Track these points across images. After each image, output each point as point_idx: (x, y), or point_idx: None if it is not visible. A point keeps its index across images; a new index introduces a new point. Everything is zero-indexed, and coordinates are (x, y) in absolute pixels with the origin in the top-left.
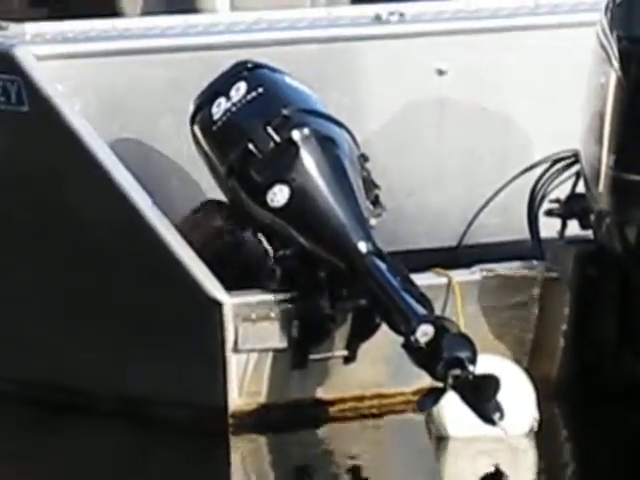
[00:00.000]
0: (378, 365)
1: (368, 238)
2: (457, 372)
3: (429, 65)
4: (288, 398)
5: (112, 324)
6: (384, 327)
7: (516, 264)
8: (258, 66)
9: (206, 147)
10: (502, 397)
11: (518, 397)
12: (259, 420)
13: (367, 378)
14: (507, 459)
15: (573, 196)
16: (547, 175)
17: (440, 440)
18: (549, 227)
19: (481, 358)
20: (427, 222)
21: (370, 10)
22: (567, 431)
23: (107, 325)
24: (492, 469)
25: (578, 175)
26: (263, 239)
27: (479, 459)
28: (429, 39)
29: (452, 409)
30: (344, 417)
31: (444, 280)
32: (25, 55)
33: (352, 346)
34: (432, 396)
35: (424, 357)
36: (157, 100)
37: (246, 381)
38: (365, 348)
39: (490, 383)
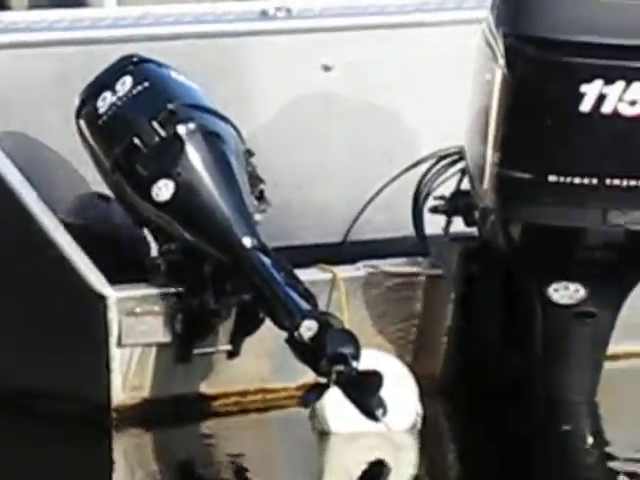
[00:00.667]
0: (262, 360)
1: (252, 233)
2: (340, 368)
3: (315, 61)
4: (171, 393)
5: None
6: (268, 322)
7: (401, 260)
8: (144, 60)
9: (91, 141)
10: (385, 393)
11: (401, 393)
12: (143, 415)
13: (251, 373)
14: (390, 455)
15: (458, 193)
16: (432, 172)
17: (323, 435)
18: (434, 224)
19: (365, 354)
20: (313, 217)
21: (257, 6)
22: (450, 427)
23: None
24: (375, 464)
25: (463, 172)
26: (147, 234)
27: (362, 454)
28: (315, 35)
29: (335, 405)
30: (228, 412)
31: (328, 276)
32: None
33: (236, 341)
34: (316, 391)
35: (308, 352)
36: (43, 94)
37: (130, 375)
38: (249, 343)
39: (373, 379)
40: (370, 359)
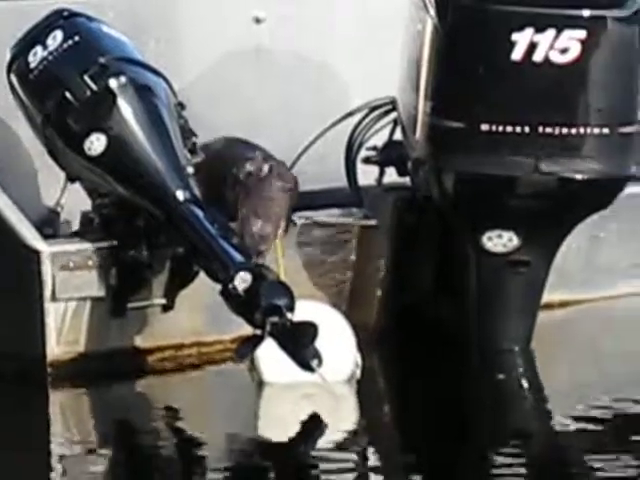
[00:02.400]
0: (196, 313)
1: (186, 186)
2: (275, 319)
3: (247, 13)
4: (107, 347)
5: None
6: (202, 275)
7: (334, 212)
8: (75, 14)
9: (23, 96)
10: (322, 344)
11: (339, 343)
12: (78, 369)
13: (186, 326)
14: (328, 405)
15: (390, 143)
16: (364, 123)
17: (260, 386)
18: (367, 174)
19: (302, 305)
20: None
21: None
22: (386, 377)
23: None
24: (313, 415)
25: (395, 122)
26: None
27: (299, 405)
28: None
29: (271, 356)
30: (163, 366)
31: None
32: None
33: (170, 294)
34: (250, 344)
35: (242, 305)
36: None
37: (64, 330)
38: (183, 296)
39: (308, 330)
40: (308, 311)
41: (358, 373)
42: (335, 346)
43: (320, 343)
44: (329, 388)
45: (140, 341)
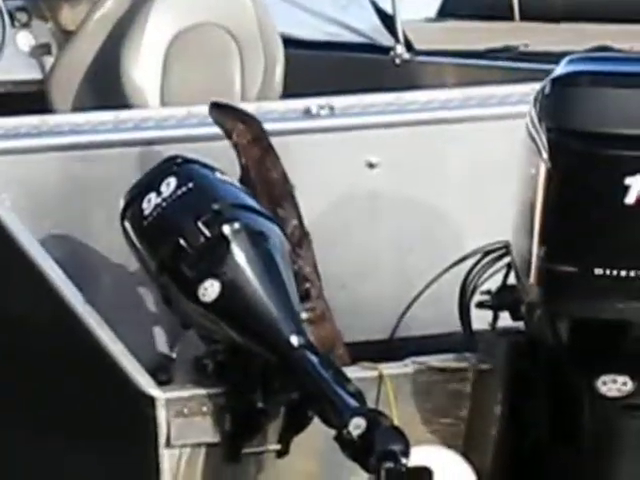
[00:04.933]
0: (310, 458)
1: (300, 332)
2: (390, 465)
3: (360, 158)
4: None
5: (42, 422)
6: (316, 420)
7: (448, 356)
8: (188, 161)
9: (137, 243)
10: None
11: None
12: None
13: (300, 471)
14: None
15: (504, 287)
16: (478, 267)
17: None
18: (481, 319)
19: (420, 450)
20: (359, 315)
21: (300, 104)
22: None
23: (40, 423)
24: None
25: (509, 266)
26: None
27: None
28: (359, 132)
29: None
30: None
31: (375, 373)
32: None
33: (285, 440)
34: None
35: (357, 450)
36: (88, 196)
37: (179, 476)
38: (297, 441)
39: (423, 476)
40: (428, 454)
41: None
42: None
43: None
44: None
45: None
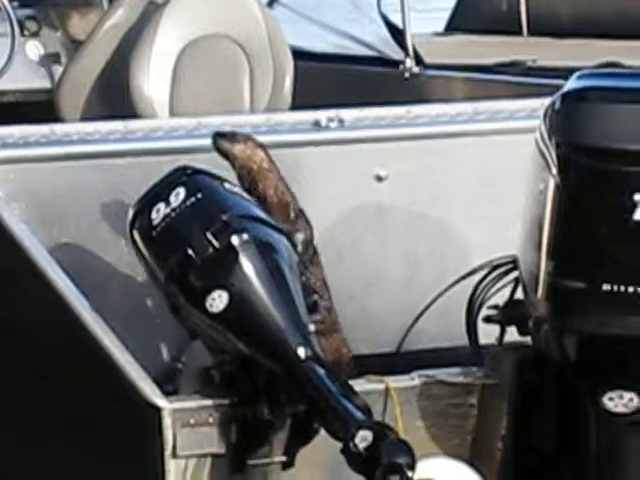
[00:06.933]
0: (316, 470)
1: (307, 344)
2: (396, 478)
3: (368, 171)
4: None
5: (48, 430)
6: (322, 432)
7: (455, 370)
8: (197, 172)
9: (145, 252)
10: None
11: None
12: None
13: None
14: None
15: (511, 302)
16: (486, 281)
17: None
18: (488, 333)
19: (426, 462)
20: (367, 328)
21: (309, 116)
22: None
23: (43, 431)
24: None
25: (517, 281)
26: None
27: None
28: (368, 145)
29: None
30: None
31: (381, 386)
32: None
33: (290, 452)
34: None
35: (363, 463)
36: (96, 205)
37: None
38: (303, 453)
39: None
40: (436, 466)
41: None
42: None
43: None
44: None
45: None
